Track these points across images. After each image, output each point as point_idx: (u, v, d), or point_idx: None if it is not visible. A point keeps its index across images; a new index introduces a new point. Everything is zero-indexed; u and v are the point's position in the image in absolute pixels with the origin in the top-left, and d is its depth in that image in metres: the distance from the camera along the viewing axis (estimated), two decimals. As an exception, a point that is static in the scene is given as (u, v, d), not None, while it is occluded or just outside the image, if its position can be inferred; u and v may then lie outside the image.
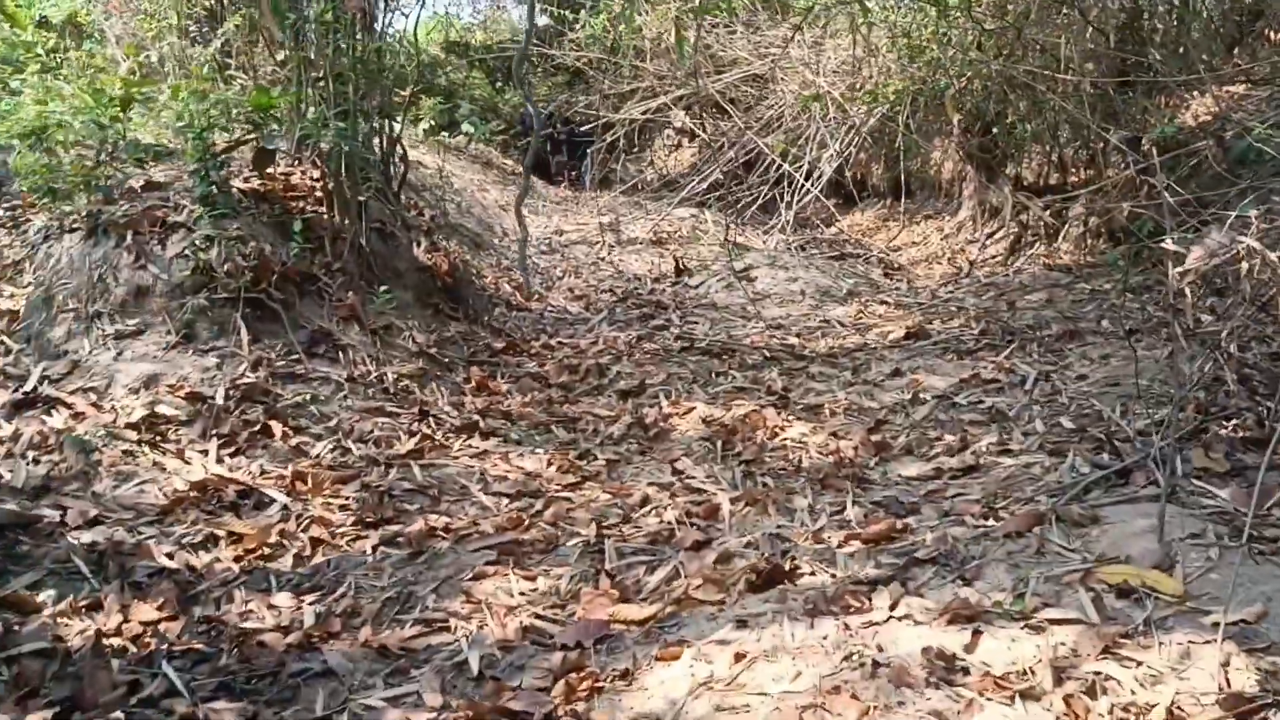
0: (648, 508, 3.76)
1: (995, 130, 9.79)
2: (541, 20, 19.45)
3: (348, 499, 3.82)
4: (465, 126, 12.16)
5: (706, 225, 10.26)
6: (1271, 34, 8.65)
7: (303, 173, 5.60)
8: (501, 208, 10.72)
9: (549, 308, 7.27)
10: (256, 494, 3.79)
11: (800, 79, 10.21)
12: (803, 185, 9.76)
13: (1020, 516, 3.07)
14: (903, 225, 12.76)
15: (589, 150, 13.94)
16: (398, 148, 6.50)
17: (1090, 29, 7.93)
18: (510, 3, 24.19)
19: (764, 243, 9.68)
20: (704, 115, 11.98)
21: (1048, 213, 9.11)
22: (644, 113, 11.09)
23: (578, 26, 11.57)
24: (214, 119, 4.91)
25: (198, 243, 4.75)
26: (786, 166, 9.86)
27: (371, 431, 4.37)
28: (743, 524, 3.54)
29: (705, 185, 10.99)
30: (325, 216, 5.39)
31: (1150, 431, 3.75)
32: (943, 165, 13.31)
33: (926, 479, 3.80)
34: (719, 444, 4.40)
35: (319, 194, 5.55)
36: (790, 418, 4.70)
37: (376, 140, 6.34)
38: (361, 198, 5.66)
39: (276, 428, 4.22)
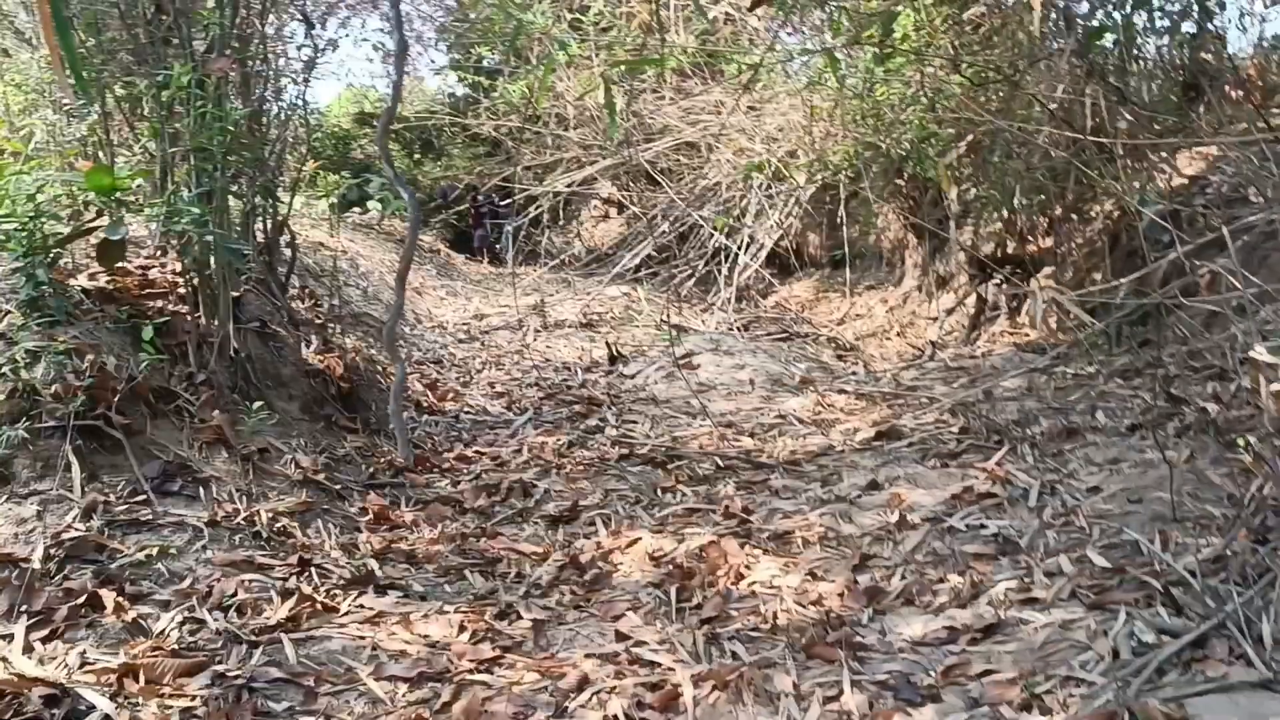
0: (587, 693, 2.97)
1: (948, 196, 9.34)
2: (459, 89, 19.00)
3: (194, 698, 2.96)
4: (372, 205, 11.36)
5: (641, 304, 9.60)
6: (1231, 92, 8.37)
7: (162, 267, 4.78)
8: (415, 290, 9.94)
9: (466, 408, 6.48)
10: (71, 699, 2.90)
11: (736, 146, 9.69)
12: (741, 259, 9.18)
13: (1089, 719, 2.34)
14: (843, 297, 12.29)
15: (508, 225, 13.27)
16: (284, 231, 5.72)
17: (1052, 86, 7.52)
18: (427, 72, 23.71)
19: (704, 322, 9.04)
20: (634, 186, 11.42)
21: (1004, 286, 8.62)
22: (569, 185, 10.46)
23: (494, 95, 10.94)
24: (43, 207, 4.08)
25: (18, 358, 3.89)
26: (723, 239, 9.27)
27: (234, 594, 3.51)
28: (711, 716, 2.78)
29: (638, 261, 10.37)
30: (189, 318, 4.57)
31: (1202, 570, 3.08)
32: (883, 234, 12.94)
33: (938, 643, 3.07)
34: (672, 592, 3.63)
35: (182, 291, 4.73)
36: (756, 551, 3.96)
37: (260, 224, 5.57)
38: (235, 293, 4.86)
39: (108, 597, 3.34)
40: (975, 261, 9.08)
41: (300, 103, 6.85)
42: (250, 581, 3.59)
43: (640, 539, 4.19)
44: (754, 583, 3.68)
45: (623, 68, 6.41)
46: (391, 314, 5.92)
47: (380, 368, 6.69)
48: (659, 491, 4.83)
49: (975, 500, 4.21)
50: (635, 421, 6.11)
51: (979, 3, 7.20)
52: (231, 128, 4.37)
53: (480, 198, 16.78)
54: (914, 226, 10.47)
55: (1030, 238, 9.19)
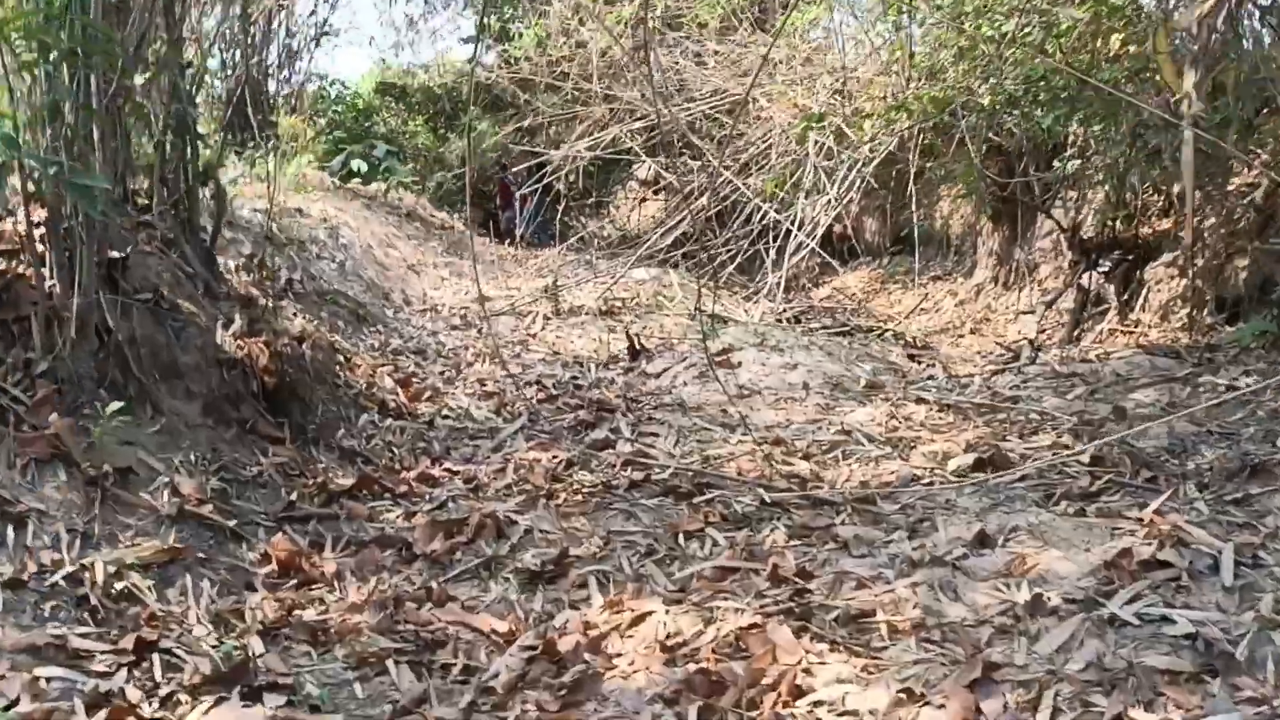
0: None
1: (1042, 169, 8.03)
2: (488, 56, 17.78)
3: None
4: (354, 164, 10.21)
5: (672, 289, 8.38)
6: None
7: (27, 220, 3.62)
8: (411, 268, 8.80)
9: (444, 411, 5.29)
10: None
11: (790, 103, 8.42)
12: (794, 238, 7.93)
13: None
14: (905, 288, 11.06)
15: (517, 196, 12.09)
16: (208, 181, 4.56)
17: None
18: (455, 42, 22.53)
19: (747, 313, 7.81)
20: (668, 153, 10.18)
21: (1114, 274, 7.30)
22: (591, 148, 9.24)
23: (511, 44, 9.75)
24: None
25: None
26: (774, 214, 8.01)
27: (15, 701, 2.35)
28: None
29: (671, 240, 9.14)
30: (35, 285, 3.41)
31: None
32: (951, 216, 11.71)
33: None
34: (692, 714, 2.43)
35: (41, 250, 3.58)
36: (819, 645, 2.74)
37: (178, 170, 4.42)
38: (118, 253, 3.70)
39: None
40: (1076, 247, 7.76)
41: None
42: (48, 681, 2.41)
43: (650, 613, 2.98)
44: (819, 703, 2.46)
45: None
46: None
47: (344, 358, 5.53)
48: (680, 538, 3.61)
49: (1140, 572, 2.95)
50: (655, 434, 4.90)
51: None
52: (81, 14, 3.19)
53: (508, 175, 15.62)
54: (1003, 203, 9.18)
55: (1143, 218, 7.85)
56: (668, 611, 2.97)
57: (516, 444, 4.81)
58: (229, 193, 6.86)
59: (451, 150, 18.43)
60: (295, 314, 5.55)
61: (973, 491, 3.92)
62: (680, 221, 9.26)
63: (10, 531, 2.82)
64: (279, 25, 14.53)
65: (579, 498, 4.04)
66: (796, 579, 3.17)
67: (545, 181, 10.97)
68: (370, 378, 5.50)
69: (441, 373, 6.07)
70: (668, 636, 2.85)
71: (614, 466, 4.42)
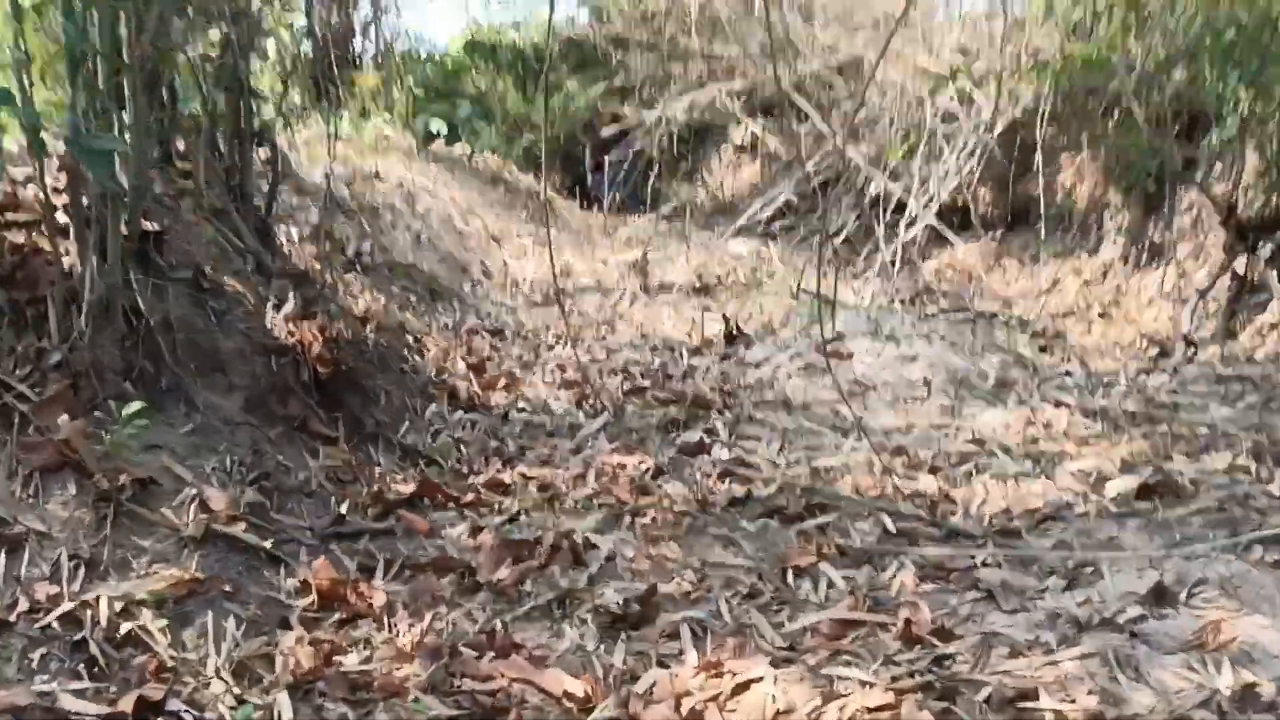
0: None
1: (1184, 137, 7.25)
2: (582, 15, 17.20)
3: None
4: (433, 125, 9.78)
5: (773, 265, 7.81)
6: None
7: (42, 185, 3.23)
8: (493, 238, 8.37)
9: (520, 402, 4.84)
10: None
11: (910, 65, 7.75)
12: (910, 209, 7.30)
13: None
14: (1021, 265, 10.31)
15: (607, 160, 11.57)
16: (263, 143, 4.15)
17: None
18: (545, -3, 22.09)
19: (855, 293, 7.20)
20: (772, 116, 9.57)
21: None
22: (688, 110, 8.67)
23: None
24: None
25: None
26: (888, 183, 7.38)
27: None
28: None
29: (771, 210, 8.56)
30: (52, 261, 3.01)
31: None
32: (1075, 188, 10.92)
33: None
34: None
35: (63, 221, 3.19)
36: (970, 739, 2.21)
37: (229, 131, 4.01)
38: (152, 225, 3.30)
39: None
40: (1232, 227, 6.97)
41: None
42: (22, 756, 2.01)
43: (756, 680, 2.47)
44: (976, 832, 1.94)
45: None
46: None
47: (413, 339, 5.11)
48: (789, 575, 3.09)
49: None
50: (756, 438, 4.37)
51: None
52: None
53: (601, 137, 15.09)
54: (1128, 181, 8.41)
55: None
56: (776, 680, 2.46)
57: (599, 444, 4.33)
58: (301, 154, 6.51)
59: (540, 111, 18.00)
60: (361, 290, 5.15)
61: (1138, 526, 3.33)
62: (780, 191, 8.67)
63: (2, 560, 2.42)
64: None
65: (669, 516, 3.54)
66: (934, 640, 2.63)
67: (637, 145, 10.45)
68: (441, 362, 5.08)
69: (519, 356, 5.62)
70: (777, 715, 2.35)
71: (709, 477, 3.92)
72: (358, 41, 14.52)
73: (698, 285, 7.20)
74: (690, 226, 9.73)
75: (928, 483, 3.87)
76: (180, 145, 4.01)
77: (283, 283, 4.03)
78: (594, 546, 3.29)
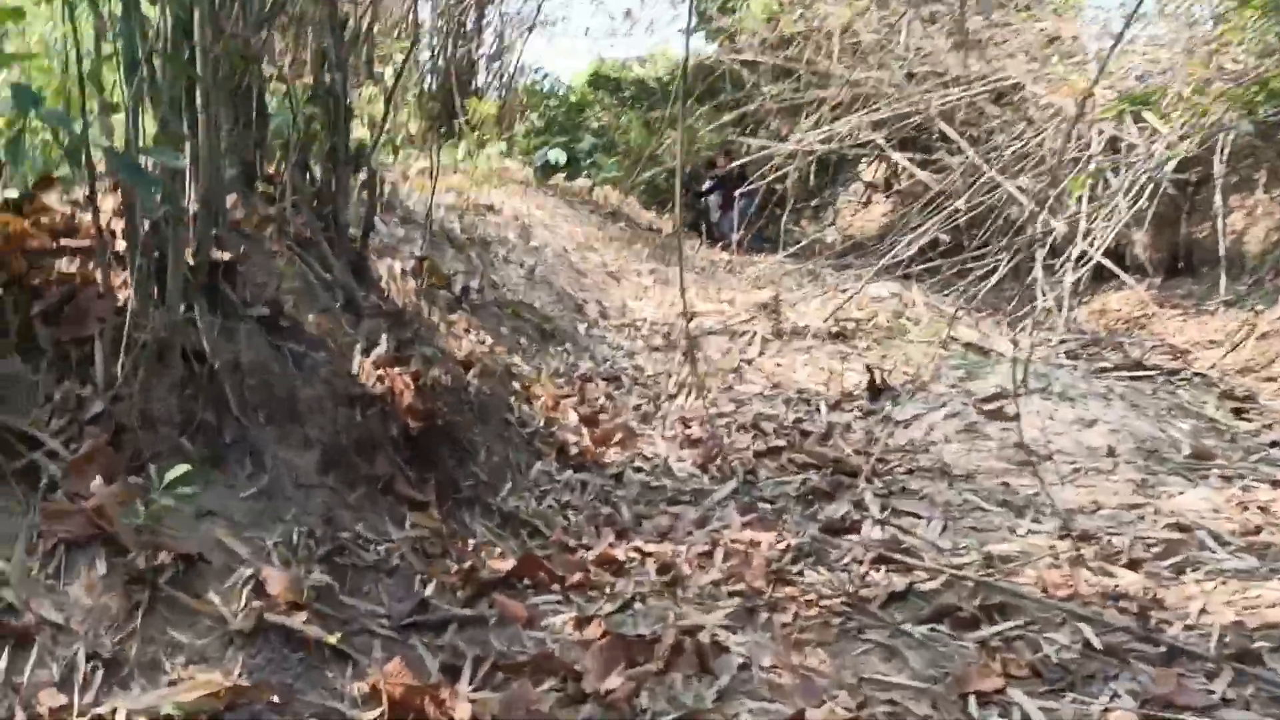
0: None
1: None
2: (708, 47, 16.91)
3: None
4: (553, 156, 9.42)
5: (916, 309, 7.16)
6: None
7: (91, 207, 2.87)
8: (610, 275, 7.93)
9: (637, 461, 4.33)
10: None
11: (1074, 88, 7.06)
12: (1076, 249, 6.60)
13: None
14: (1185, 315, 9.46)
15: (736, 196, 11.08)
16: (361, 167, 3.75)
17: None
18: (674, 33, 21.89)
19: (1014, 344, 6.51)
20: (912, 150, 8.93)
21: None
22: (825, 140, 8.11)
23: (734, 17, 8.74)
24: None
25: None
26: (1049, 220, 6.70)
27: None
28: None
29: (913, 249, 7.92)
30: (103, 295, 2.63)
31: None
32: (1246, 231, 10.08)
33: None
34: None
35: (122, 249, 2.81)
36: None
37: (322, 152, 3.63)
38: (223, 254, 2.91)
39: None
40: None
41: None
42: None
43: None
44: None
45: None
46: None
47: (521, 386, 4.66)
48: (971, 703, 2.48)
49: None
50: (915, 515, 3.76)
51: None
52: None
53: (716, 172, 14.67)
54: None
55: None
56: None
57: (727, 515, 3.78)
58: (412, 185, 6.18)
59: (663, 146, 17.72)
60: (466, 330, 4.72)
61: None
62: (924, 229, 8.03)
63: (4, 656, 2.00)
64: (492, 16, 14.24)
65: (813, 614, 2.97)
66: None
67: (763, 181, 9.92)
68: (551, 411, 4.61)
69: (637, 407, 5.12)
70: None
71: (860, 563, 3.33)
72: (481, 76, 14.53)
73: (834, 330, 6.60)
74: (822, 266, 9.14)
75: (1128, 579, 3.21)
76: (268, 168, 3.65)
77: (375, 322, 3.62)
78: (724, 649, 2.75)
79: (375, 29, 7.29)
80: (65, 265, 2.71)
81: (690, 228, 16.00)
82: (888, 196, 14.87)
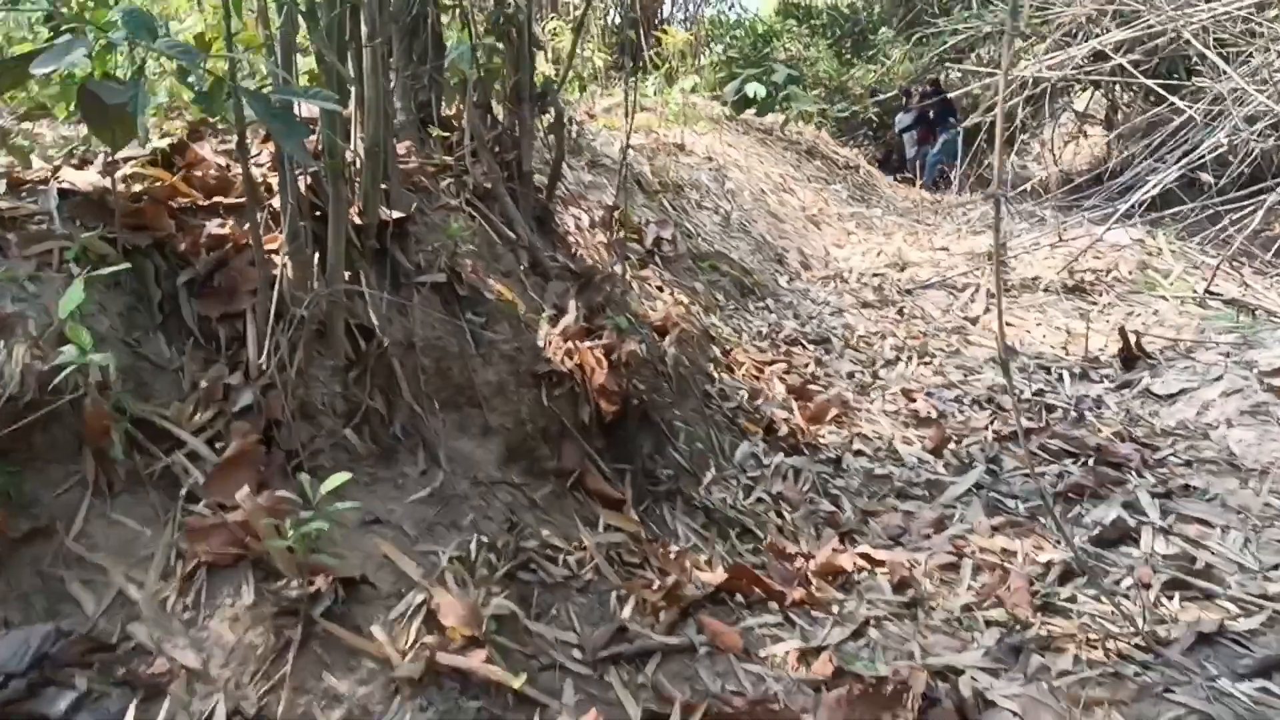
0: None
1: None
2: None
3: None
4: (750, 89, 8.78)
5: (1164, 259, 6.31)
6: None
7: (244, 162, 2.52)
8: (810, 219, 7.33)
9: (857, 442, 3.79)
10: None
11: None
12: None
13: None
14: None
15: (948, 128, 10.25)
16: (548, 109, 3.31)
17: None
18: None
19: (1284, 299, 5.63)
20: (1151, 76, 7.91)
21: None
22: (1054, 66, 7.22)
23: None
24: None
25: None
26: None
27: None
28: None
29: (1157, 190, 7.00)
30: (254, 263, 2.27)
31: None
32: None
33: None
34: None
35: (277, 205, 2.46)
36: None
37: (510, 92, 3.22)
38: (393, 213, 2.52)
39: None
40: None
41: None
42: None
43: None
44: None
45: None
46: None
47: (721, 351, 4.19)
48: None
49: None
50: (1206, 522, 3.11)
51: None
52: None
53: (920, 90, 13.73)
54: None
55: None
56: None
57: (971, 516, 3.22)
58: (599, 124, 5.75)
59: (856, 77, 16.81)
60: (659, 288, 4.27)
61: None
62: (1170, 169, 7.08)
63: (131, 711, 1.67)
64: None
65: (1098, 654, 2.40)
66: None
67: (981, 114, 9.07)
68: (755, 381, 4.12)
69: (851, 375, 4.57)
70: None
71: (1147, 586, 2.73)
72: (666, 6, 14.08)
73: (1069, 284, 5.85)
74: (1045, 210, 8.28)
75: None
76: (443, 110, 3.25)
77: (563, 285, 3.19)
78: (989, 703, 2.23)
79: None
80: (216, 227, 2.36)
81: (879, 164, 15.12)
82: (1110, 127, 13.62)
